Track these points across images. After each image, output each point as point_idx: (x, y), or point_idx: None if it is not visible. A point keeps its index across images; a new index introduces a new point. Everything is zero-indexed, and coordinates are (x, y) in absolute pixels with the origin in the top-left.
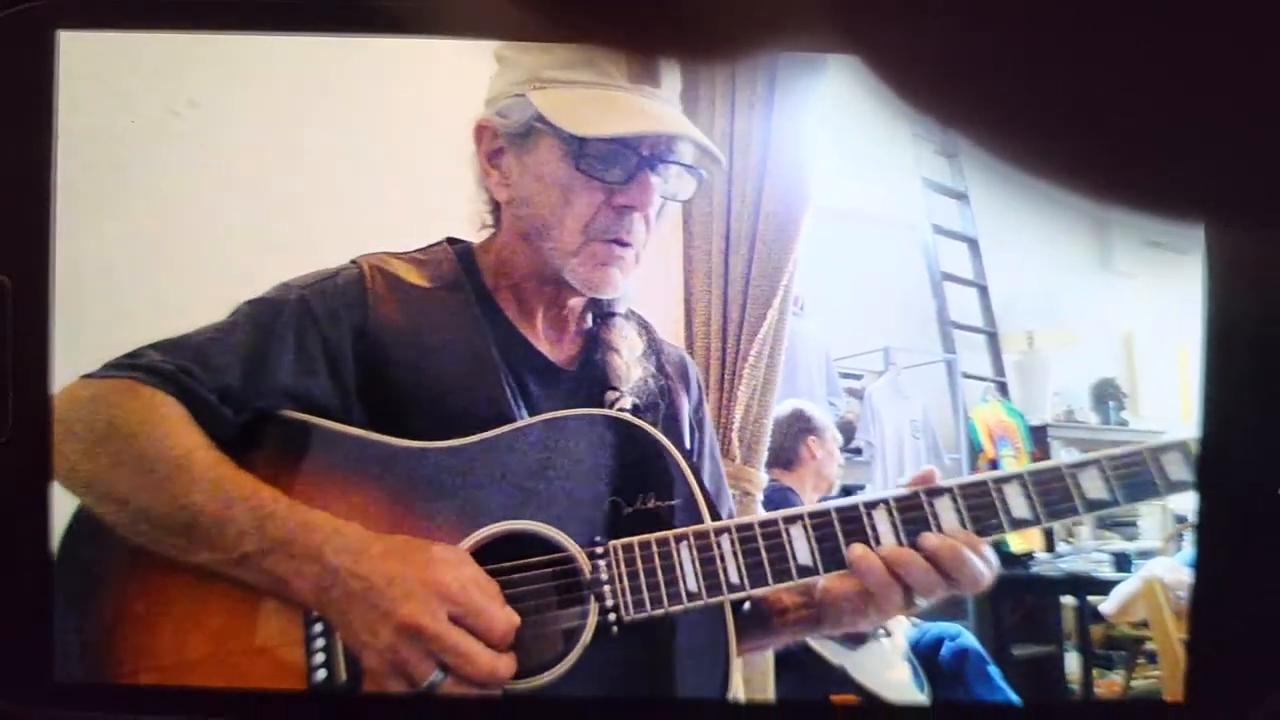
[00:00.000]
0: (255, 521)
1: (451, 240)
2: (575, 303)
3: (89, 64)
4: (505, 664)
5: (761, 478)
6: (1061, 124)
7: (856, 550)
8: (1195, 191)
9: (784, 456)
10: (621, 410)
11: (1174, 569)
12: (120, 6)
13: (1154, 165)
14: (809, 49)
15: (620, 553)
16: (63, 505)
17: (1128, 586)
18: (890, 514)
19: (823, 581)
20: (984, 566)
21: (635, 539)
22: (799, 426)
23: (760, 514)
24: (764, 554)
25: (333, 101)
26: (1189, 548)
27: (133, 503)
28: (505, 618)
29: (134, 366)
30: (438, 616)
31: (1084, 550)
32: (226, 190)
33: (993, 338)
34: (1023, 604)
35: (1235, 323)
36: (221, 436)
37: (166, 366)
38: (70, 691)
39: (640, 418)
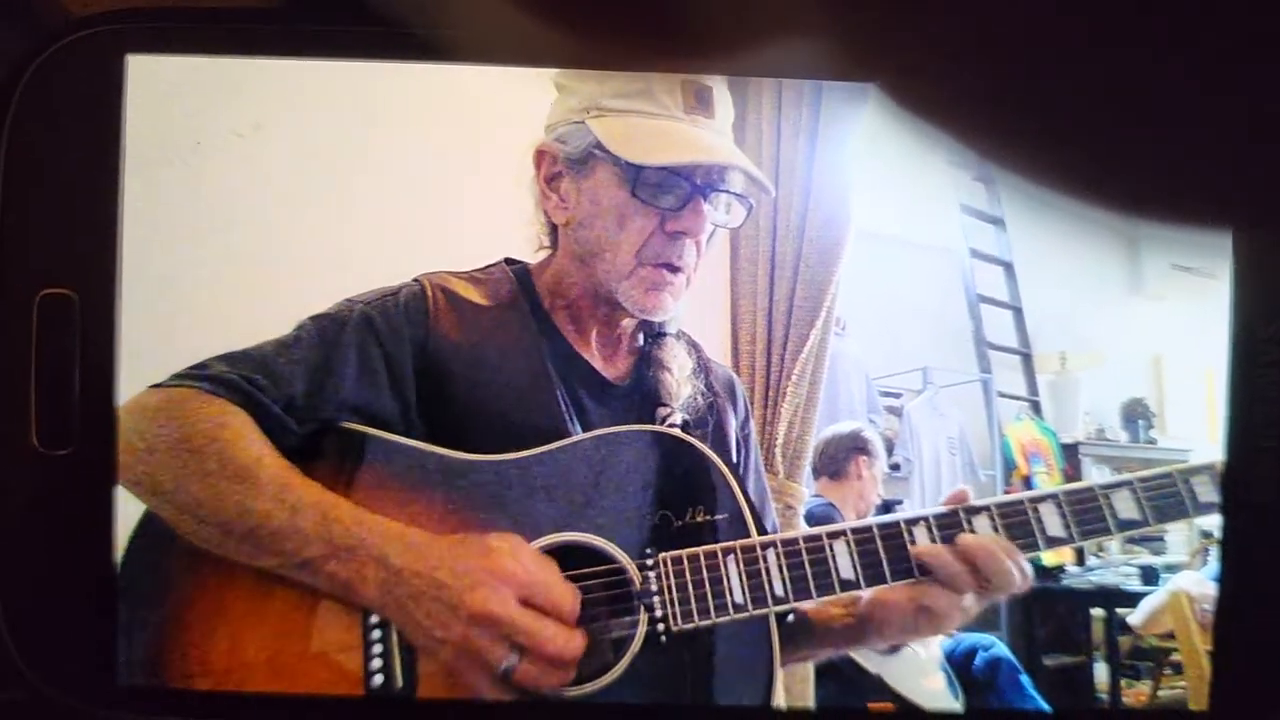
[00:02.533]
0: (320, 527)
1: (509, 261)
2: (628, 323)
3: (157, 87)
4: (578, 640)
5: (804, 492)
6: (1084, 139)
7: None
8: (1222, 198)
9: (833, 467)
10: (672, 426)
11: (1199, 583)
12: (188, 32)
13: (1180, 175)
14: (829, 77)
15: (670, 565)
16: (128, 512)
17: (1154, 600)
18: (930, 531)
19: (871, 594)
20: (1014, 567)
21: (684, 552)
22: (855, 444)
23: (804, 529)
24: (808, 568)
25: (395, 126)
26: (1214, 562)
27: (199, 508)
28: (570, 593)
29: (201, 377)
30: (507, 602)
31: (1113, 564)
32: (289, 209)
33: (1027, 358)
34: (1054, 616)
35: (1261, 337)
36: (285, 446)
37: (233, 377)
38: (132, 694)
39: (689, 434)
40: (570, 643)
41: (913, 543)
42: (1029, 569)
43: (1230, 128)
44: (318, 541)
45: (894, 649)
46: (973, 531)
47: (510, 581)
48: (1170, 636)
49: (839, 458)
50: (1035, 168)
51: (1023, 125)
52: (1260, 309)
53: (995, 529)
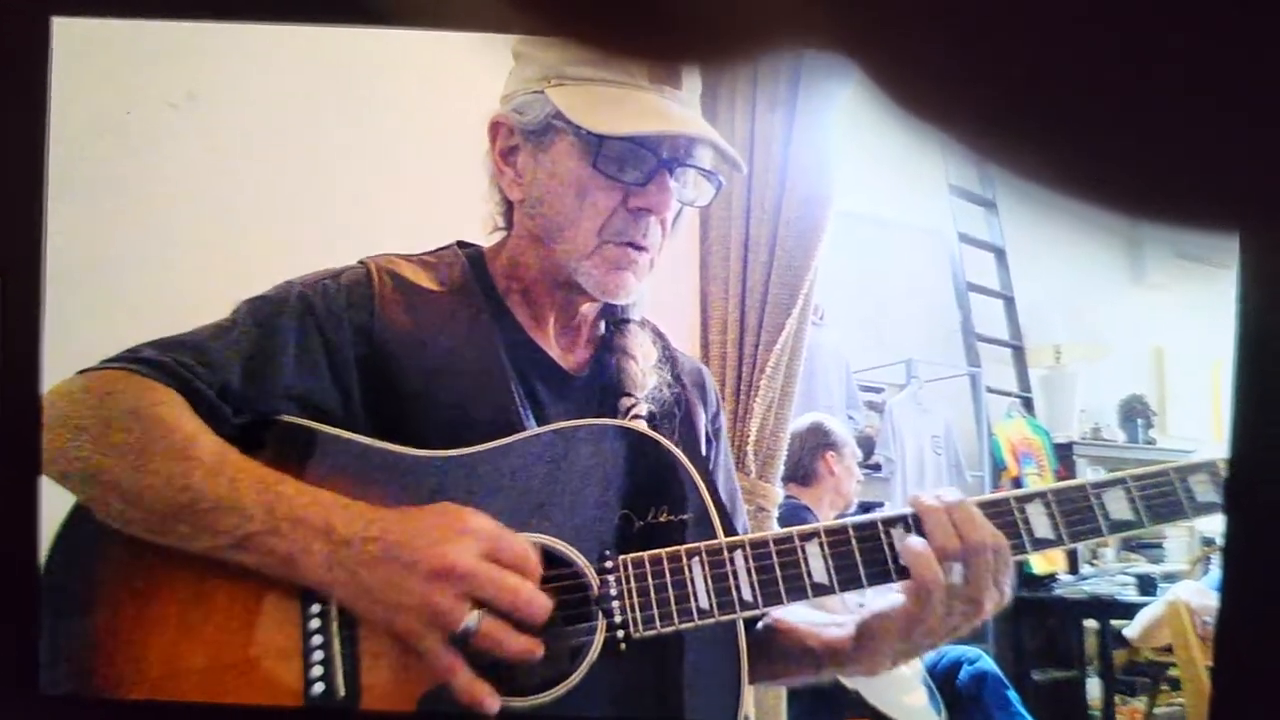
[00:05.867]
0: (261, 500)
1: (462, 243)
2: (588, 308)
3: (83, 52)
4: (543, 599)
5: (777, 493)
6: (1083, 135)
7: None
8: (1228, 198)
9: (801, 471)
10: (637, 418)
11: (1200, 593)
12: None
13: (1183, 173)
14: (802, 49)
15: (630, 568)
16: (52, 510)
17: (1152, 611)
18: (909, 532)
19: (871, 611)
20: (989, 535)
21: (645, 554)
22: (817, 441)
23: (776, 530)
24: (778, 571)
25: (340, 96)
26: (1216, 571)
27: (132, 490)
28: (534, 551)
29: (133, 360)
30: (470, 554)
31: (1108, 572)
32: (226, 186)
33: (1019, 351)
34: (1044, 627)
35: (1270, 336)
36: (221, 436)
37: (165, 360)
38: (55, 705)
39: (655, 427)
40: (536, 597)
41: (890, 544)
42: (1003, 539)
43: (1239, 122)
44: (259, 514)
45: None
46: None
47: (472, 534)
48: (1168, 650)
49: (804, 460)
50: (1027, 161)
51: (1016, 115)
52: (1271, 296)
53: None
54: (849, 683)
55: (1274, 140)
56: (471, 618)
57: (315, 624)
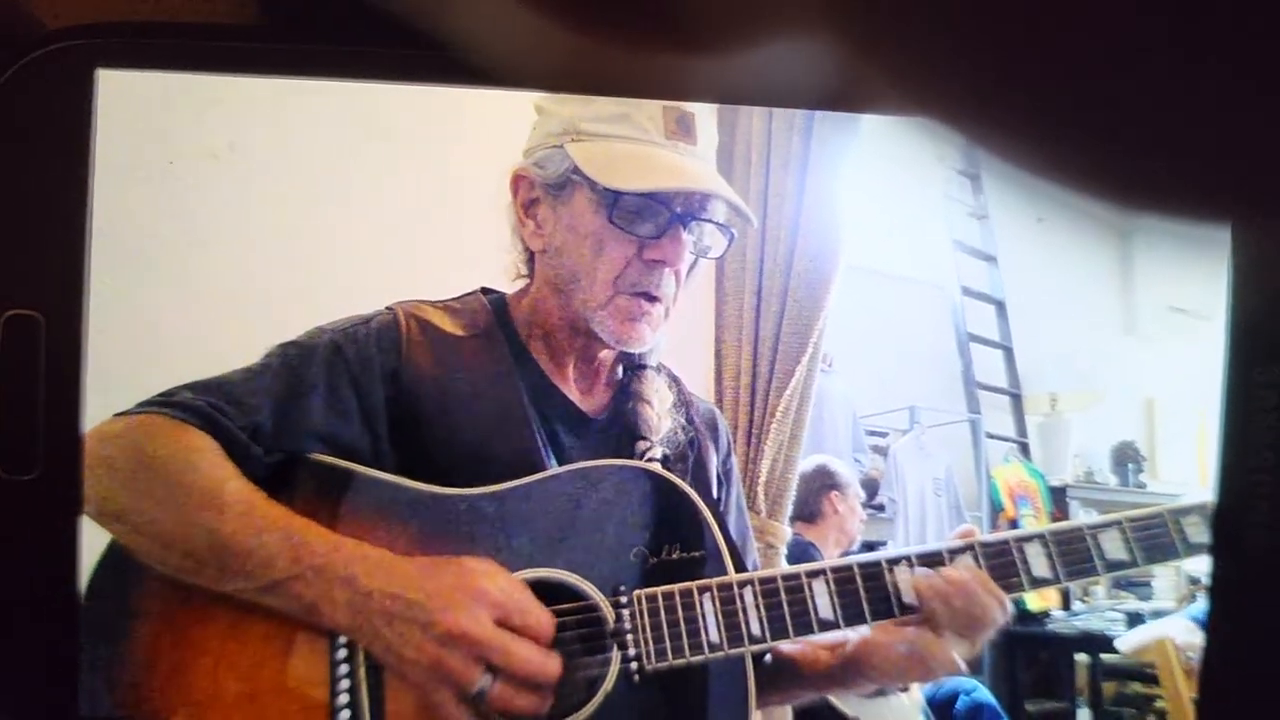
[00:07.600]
0: (287, 548)
1: (486, 290)
2: (606, 354)
3: (128, 103)
4: (554, 663)
5: (786, 531)
6: (1080, 125)
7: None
8: (1222, 188)
9: (806, 510)
10: (651, 460)
11: (1187, 629)
12: (161, 47)
13: (1178, 163)
14: (881, 111)
15: (644, 602)
16: (92, 542)
17: (1145, 634)
18: (912, 571)
19: (859, 637)
20: (992, 600)
21: (659, 589)
22: (822, 482)
23: (783, 567)
24: (786, 607)
25: (373, 149)
26: (1201, 607)
27: (164, 534)
28: (546, 616)
29: (166, 404)
30: (483, 621)
31: (1099, 609)
32: (263, 234)
33: (1016, 399)
34: (1037, 660)
35: (1257, 381)
36: (252, 475)
37: (198, 403)
38: None
39: (669, 469)
40: (546, 664)
41: (895, 583)
42: (1006, 600)
43: (1236, 113)
44: (285, 562)
45: (875, 692)
46: None
47: (485, 601)
48: (1156, 683)
49: (809, 500)
50: (1022, 150)
51: (1007, 100)
52: (1256, 352)
53: (980, 569)
54: (849, 711)
55: (1269, 130)
56: (484, 680)
57: (343, 653)
